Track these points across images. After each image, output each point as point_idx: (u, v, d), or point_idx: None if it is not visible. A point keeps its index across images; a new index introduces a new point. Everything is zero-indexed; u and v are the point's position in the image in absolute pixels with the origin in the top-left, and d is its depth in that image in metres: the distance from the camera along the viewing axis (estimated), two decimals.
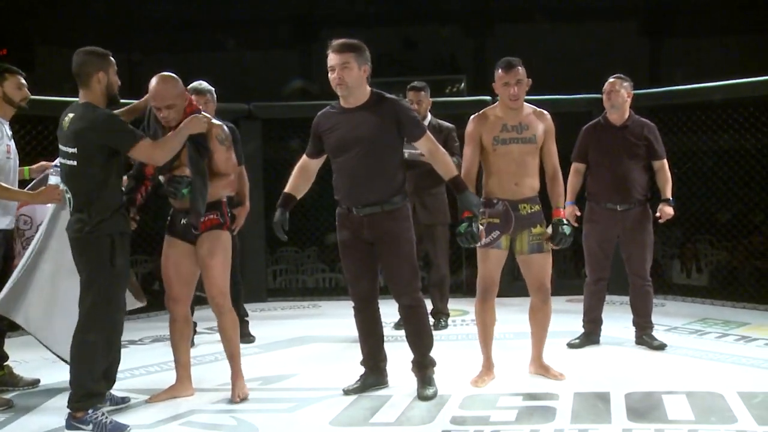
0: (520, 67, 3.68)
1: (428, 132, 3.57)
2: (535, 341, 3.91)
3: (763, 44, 10.45)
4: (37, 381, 3.92)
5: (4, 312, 3.67)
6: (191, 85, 4.71)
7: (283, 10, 11.56)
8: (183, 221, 3.54)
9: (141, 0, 10.57)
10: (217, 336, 3.89)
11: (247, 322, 4.96)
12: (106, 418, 3.25)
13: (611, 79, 4.51)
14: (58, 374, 3.86)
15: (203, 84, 4.67)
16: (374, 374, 3.73)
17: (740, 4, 10.31)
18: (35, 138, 5.75)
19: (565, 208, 3.86)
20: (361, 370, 3.76)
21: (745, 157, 6.60)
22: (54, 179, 3.68)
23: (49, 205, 3.63)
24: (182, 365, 3.71)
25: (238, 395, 3.62)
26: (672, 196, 4.53)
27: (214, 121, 3.61)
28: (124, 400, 3.63)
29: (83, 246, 3.24)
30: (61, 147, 3.30)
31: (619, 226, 4.47)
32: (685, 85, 6.25)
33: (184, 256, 3.58)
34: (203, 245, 3.54)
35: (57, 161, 3.54)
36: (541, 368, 3.89)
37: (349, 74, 3.40)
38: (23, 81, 3.80)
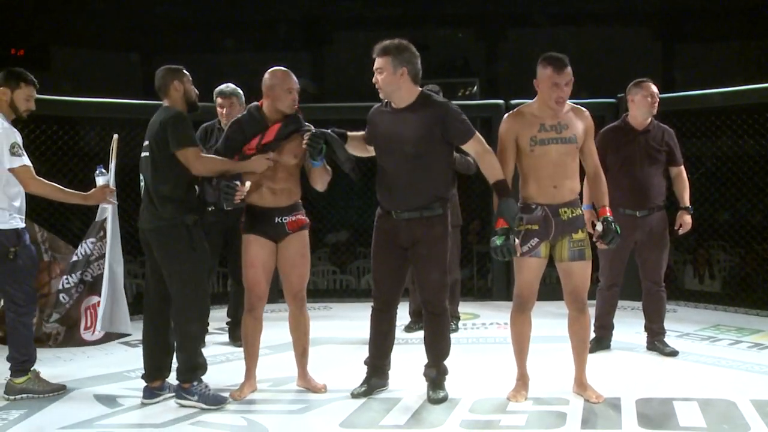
0: (569, 68, 3.47)
1: (477, 134, 3.49)
2: (576, 358, 3.66)
3: None
4: (63, 387, 3.86)
5: (126, 330, 4.21)
6: (218, 88, 4.73)
7: (295, 12, 11.57)
8: (277, 220, 3.65)
9: (155, 2, 10.60)
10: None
11: None
12: (208, 389, 3.55)
13: (647, 83, 4.40)
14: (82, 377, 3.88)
15: (230, 86, 4.68)
16: (377, 375, 3.73)
17: (754, 7, 10.23)
18: (50, 138, 5.80)
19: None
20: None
21: (759, 163, 6.55)
22: (102, 179, 3.83)
23: (104, 205, 3.85)
24: (254, 360, 3.83)
25: (322, 387, 3.77)
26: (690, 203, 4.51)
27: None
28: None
29: (161, 237, 3.49)
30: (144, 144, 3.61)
31: (637, 232, 4.41)
32: (698, 90, 6.21)
33: (270, 255, 3.71)
34: (293, 244, 3.69)
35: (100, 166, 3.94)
36: (579, 387, 3.64)
37: (383, 78, 3.44)
38: (34, 93, 3.83)
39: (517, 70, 10.74)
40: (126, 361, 4.48)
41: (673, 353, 4.43)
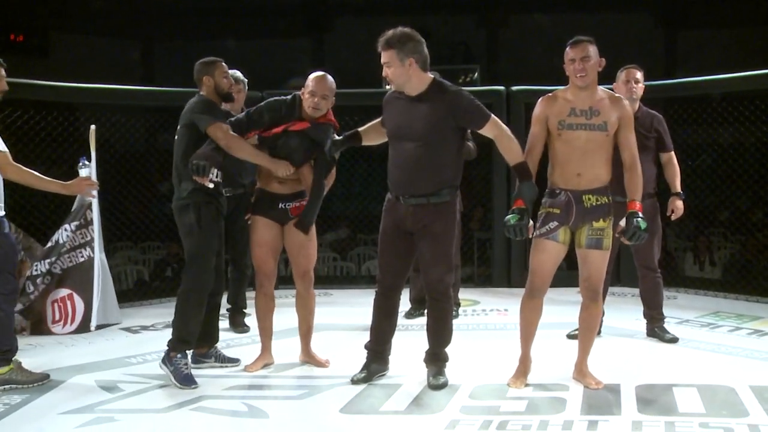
0: (589, 44, 3.46)
1: (493, 117, 3.48)
2: (580, 345, 3.66)
3: None
4: (47, 376, 3.77)
5: (117, 320, 4.39)
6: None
7: None
8: (281, 206, 3.83)
9: None
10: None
11: (245, 314, 4.96)
12: (187, 368, 3.65)
13: (630, 68, 4.39)
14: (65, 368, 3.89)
15: (237, 73, 4.76)
16: (377, 361, 3.74)
17: None
18: (50, 124, 5.79)
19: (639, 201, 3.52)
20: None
21: (761, 150, 6.54)
22: (85, 171, 3.82)
23: (88, 199, 3.85)
24: (268, 336, 3.99)
25: (326, 362, 3.95)
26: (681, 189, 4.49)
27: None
28: (232, 359, 4.01)
29: (178, 214, 3.73)
30: None
31: None
32: (701, 77, 6.18)
33: (277, 237, 3.89)
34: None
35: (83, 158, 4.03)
36: (579, 374, 3.64)
37: (392, 72, 3.44)
38: (4, 74, 3.73)
39: (518, 56, 10.75)
40: (127, 347, 4.50)
41: (673, 340, 4.44)
